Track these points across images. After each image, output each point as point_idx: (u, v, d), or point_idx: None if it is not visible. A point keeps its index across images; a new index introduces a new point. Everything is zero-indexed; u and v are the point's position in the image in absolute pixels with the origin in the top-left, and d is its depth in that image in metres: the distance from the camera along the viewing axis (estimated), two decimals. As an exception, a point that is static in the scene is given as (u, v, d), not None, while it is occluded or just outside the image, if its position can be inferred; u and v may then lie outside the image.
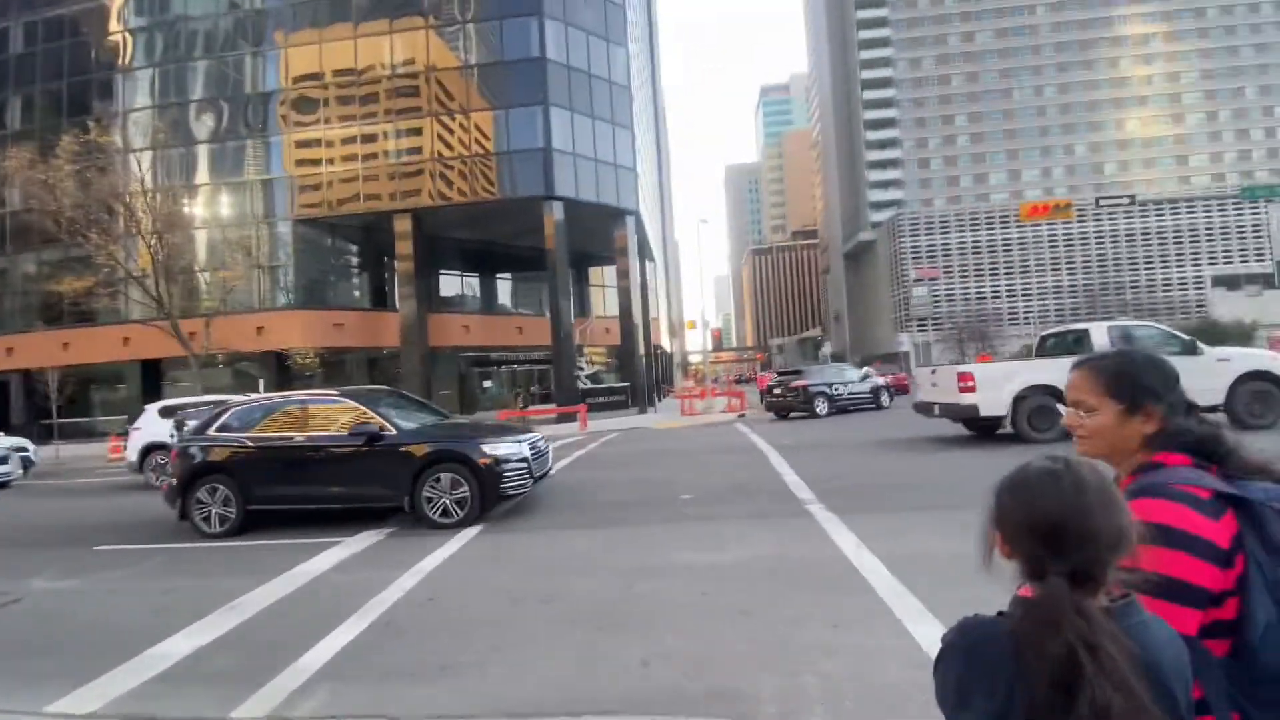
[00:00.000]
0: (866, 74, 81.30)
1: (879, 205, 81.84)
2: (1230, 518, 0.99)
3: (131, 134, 26.78)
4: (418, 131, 26.47)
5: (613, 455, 12.67)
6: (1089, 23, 77.94)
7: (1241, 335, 20.37)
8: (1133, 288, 55.37)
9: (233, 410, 7.66)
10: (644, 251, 35.56)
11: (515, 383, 32.53)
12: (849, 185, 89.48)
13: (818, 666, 3.09)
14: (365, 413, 7.17)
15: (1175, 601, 0.96)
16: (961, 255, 71.90)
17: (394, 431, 7.00)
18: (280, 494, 7.19)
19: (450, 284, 31.76)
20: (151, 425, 12.38)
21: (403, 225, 25.90)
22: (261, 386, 24.48)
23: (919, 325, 68.33)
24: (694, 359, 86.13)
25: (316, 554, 5.95)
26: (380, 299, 29.74)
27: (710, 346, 39.06)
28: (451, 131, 26.39)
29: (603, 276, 36.52)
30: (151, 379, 26.62)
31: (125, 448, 13.78)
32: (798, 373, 19.54)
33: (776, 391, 19.11)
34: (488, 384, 31.77)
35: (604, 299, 36.72)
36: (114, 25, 28.97)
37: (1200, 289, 64.29)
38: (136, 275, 21.19)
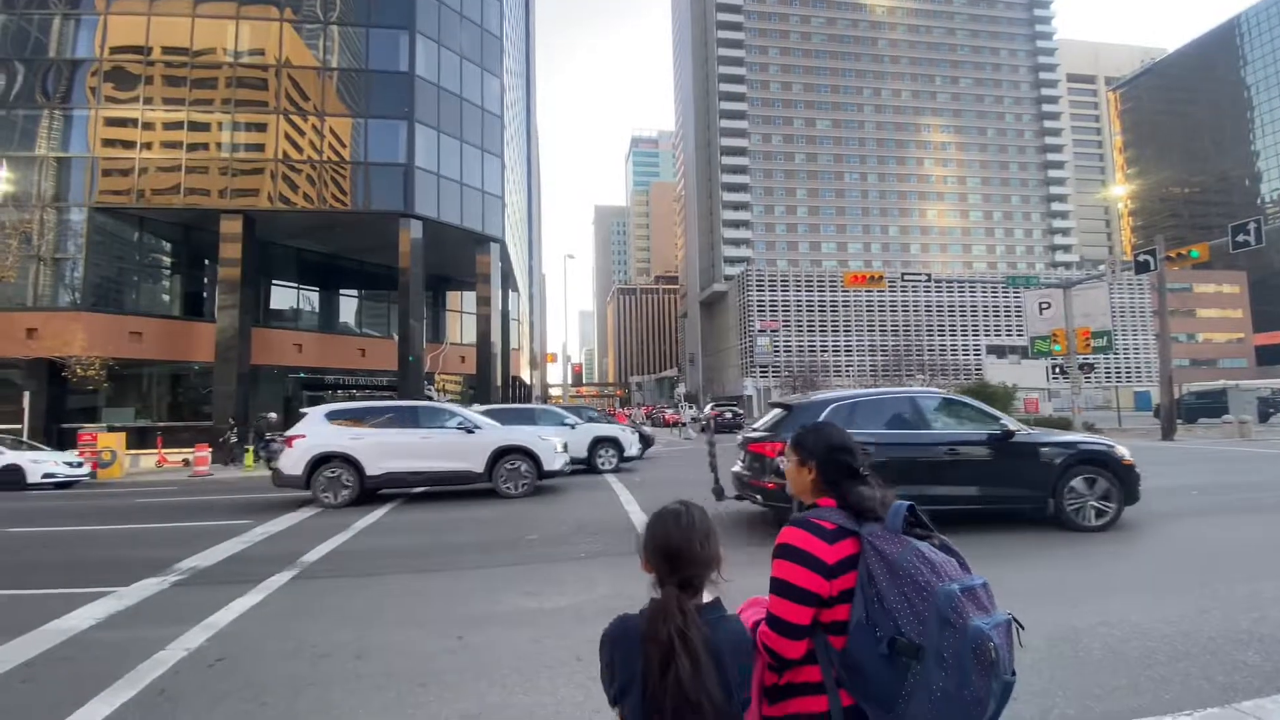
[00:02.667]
0: (725, 141, 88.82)
1: (732, 260, 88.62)
2: (848, 544, 1.33)
3: None
4: (261, 127, 24.05)
5: (461, 491, 12.06)
6: (903, 125, 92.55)
7: (1006, 397, 24.64)
8: (930, 350, 64.81)
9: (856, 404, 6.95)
10: (508, 281, 35.05)
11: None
12: (707, 238, 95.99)
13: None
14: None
15: (788, 598, 1.33)
16: (798, 311, 79.65)
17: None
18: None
19: (284, 296, 28.70)
20: (321, 431, 10.18)
21: (231, 227, 23.12)
22: (26, 400, 20.16)
23: (761, 371, 74.07)
24: (554, 392, 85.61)
25: (77, 607, 4.95)
26: (194, 307, 26.04)
27: (570, 380, 39.23)
28: (302, 133, 24.32)
29: (461, 302, 35.23)
30: None
31: (267, 456, 12.86)
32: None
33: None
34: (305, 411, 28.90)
35: (460, 325, 35.35)
36: None
37: (978, 355, 76.95)
38: None
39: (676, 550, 1.28)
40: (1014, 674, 1.24)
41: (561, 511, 9.23)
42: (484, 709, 3.28)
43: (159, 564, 6.34)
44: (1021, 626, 1.33)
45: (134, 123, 23.44)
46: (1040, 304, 24.63)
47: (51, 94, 23.34)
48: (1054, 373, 25.94)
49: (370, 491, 10.48)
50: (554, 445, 11.00)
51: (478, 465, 10.62)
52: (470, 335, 31.08)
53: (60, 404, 21.71)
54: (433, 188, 25.24)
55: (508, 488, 10.58)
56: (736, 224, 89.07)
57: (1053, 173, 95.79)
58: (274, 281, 27.85)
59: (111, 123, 23.40)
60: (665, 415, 42.98)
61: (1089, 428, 22.15)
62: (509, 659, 3.90)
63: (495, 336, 28.07)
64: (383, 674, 3.76)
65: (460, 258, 27.71)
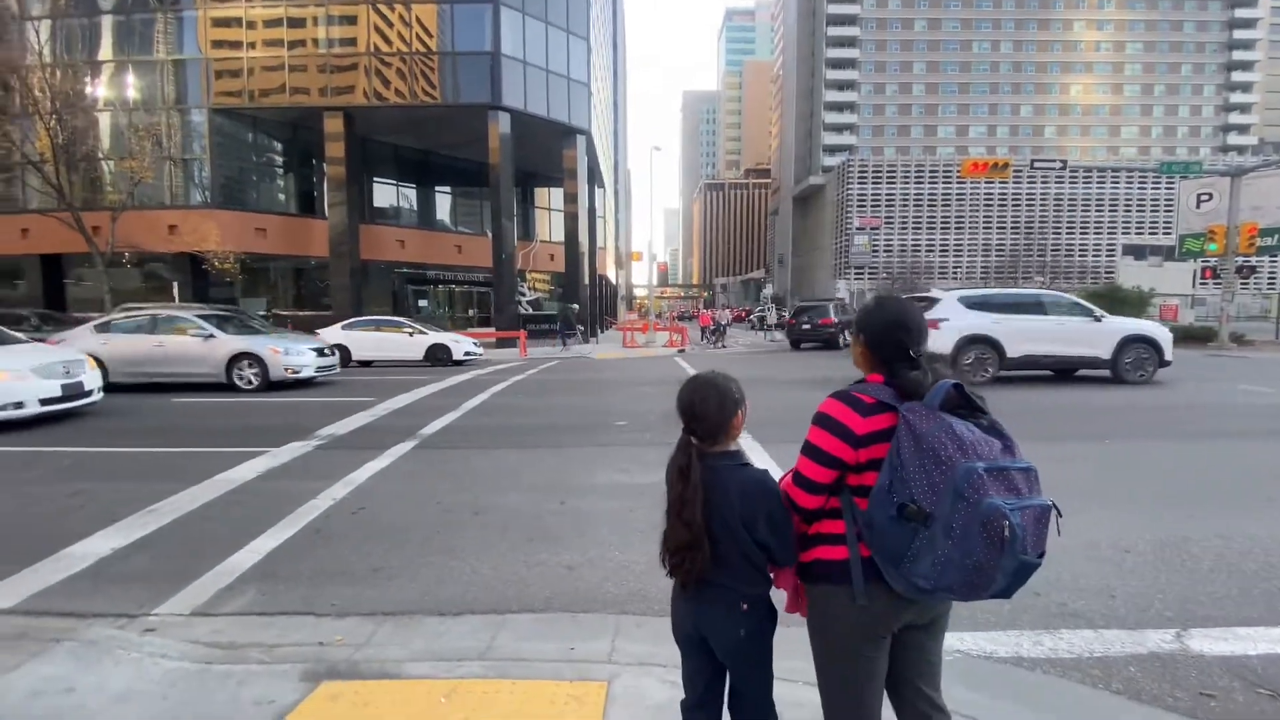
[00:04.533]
0: (833, 8, 79.20)
1: (832, 149, 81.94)
2: (885, 418, 1.42)
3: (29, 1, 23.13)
4: (352, 20, 24.06)
5: (552, 382, 12.77)
6: (1051, -20, 78.19)
7: (1140, 302, 22.13)
8: (1053, 250, 58.63)
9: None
10: (594, 176, 34.51)
11: (452, 303, 31.60)
12: (805, 124, 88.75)
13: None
14: None
15: (814, 460, 1.47)
16: (904, 206, 73.60)
17: None
18: None
19: (385, 194, 29.90)
20: (961, 316, 10.98)
21: (334, 125, 23.93)
22: (175, 290, 22.82)
23: (856, 273, 70.41)
24: (639, 292, 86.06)
25: (240, 462, 5.85)
26: (308, 204, 27.75)
27: (655, 280, 39.14)
28: (390, 24, 24.12)
29: (549, 199, 35.29)
30: (54, 276, 24.29)
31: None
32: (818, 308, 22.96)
33: (805, 325, 22.12)
34: (423, 303, 30.69)
35: (550, 222, 35.65)
36: None
37: (1111, 256, 68.78)
38: (35, 160, 18.91)
39: (688, 406, 1.59)
40: (1041, 556, 1.28)
41: (657, 404, 9.60)
42: (584, 561, 3.65)
43: (303, 431, 7.28)
44: (1060, 514, 1.34)
45: (238, 22, 24.10)
46: (1199, 195, 21.32)
47: (165, -2, 24.28)
48: (1202, 277, 22.83)
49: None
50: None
51: (1105, 352, 10.86)
52: (559, 233, 31.32)
53: (204, 294, 24.39)
54: (519, 77, 24.62)
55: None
56: (840, 106, 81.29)
57: (1240, 34, 78.93)
58: (375, 179, 28.94)
59: (218, 23, 24.18)
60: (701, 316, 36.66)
61: (1237, 340, 19.69)
62: (605, 523, 4.26)
63: (583, 235, 28.12)
64: (498, 527, 4.24)
65: (548, 152, 27.39)
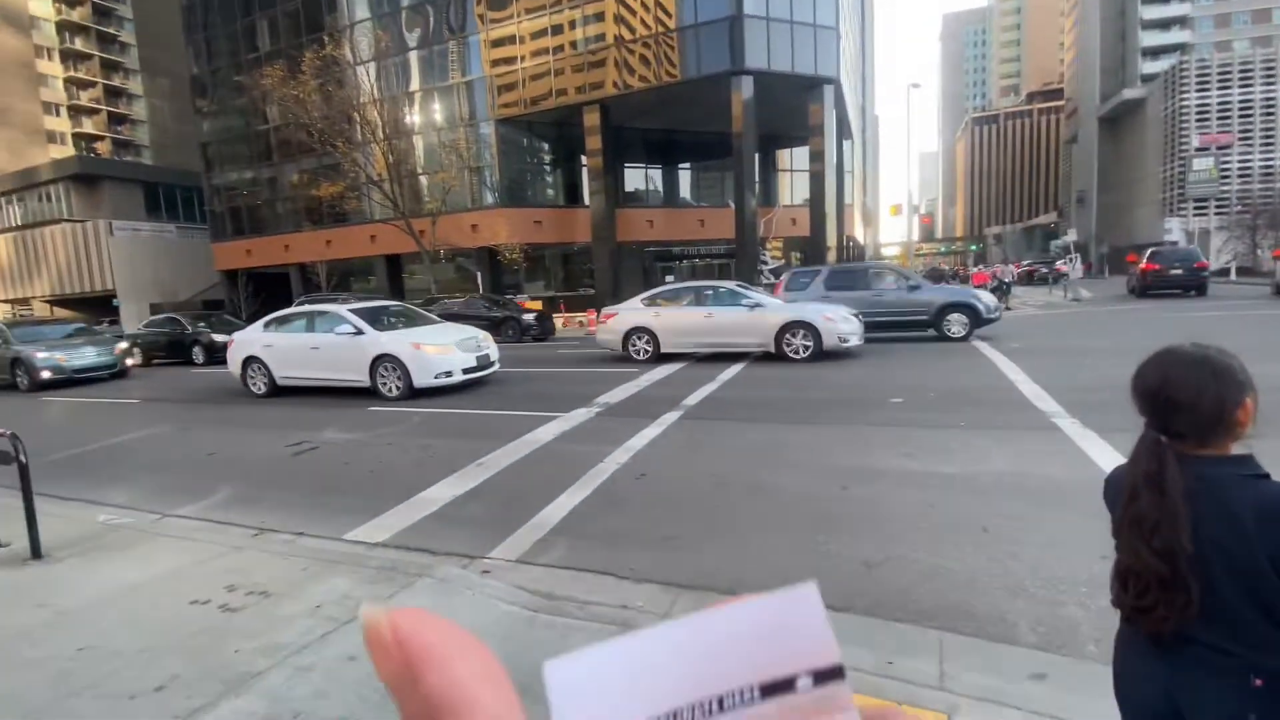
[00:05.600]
0: None
1: (1154, 51, 63.65)
2: None
3: (360, 46, 29.82)
4: (599, 17, 25.71)
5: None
6: None
7: None
8: None
9: None
10: (842, 128, 32.04)
11: (695, 277, 32.52)
12: (1114, 27, 70.28)
13: (1088, 601, 2.67)
14: None
15: None
16: (1266, 115, 54.01)
17: None
18: None
19: (634, 178, 31.80)
20: None
21: (591, 119, 26.04)
22: (479, 279, 27.40)
23: (1196, 208, 54.12)
24: (888, 251, 78.46)
25: (539, 426, 6.61)
26: (572, 196, 30.90)
27: (918, 236, 34.96)
28: (633, 11, 25.22)
29: (790, 160, 33.81)
30: (394, 271, 31.24)
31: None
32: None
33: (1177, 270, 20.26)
34: (670, 278, 32.18)
35: (791, 185, 34.24)
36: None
37: None
38: (375, 179, 24.29)
39: (1158, 389, 1.15)
40: None
41: (933, 378, 8.48)
42: (884, 559, 3.23)
43: (584, 398, 8.01)
44: None
45: (511, 40, 27.54)
46: None
47: (453, 26, 28.84)
48: None
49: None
50: None
51: None
52: (799, 195, 29.89)
53: (499, 281, 28.87)
54: (761, 35, 23.74)
55: None
56: (1168, -7, 62.56)
57: None
58: (626, 164, 30.92)
59: (495, 44, 27.93)
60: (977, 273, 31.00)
61: None
62: (900, 516, 3.76)
63: (830, 194, 26.31)
64: (778, 508, 4.04)
65: (791, 110, 26.08)
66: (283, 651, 2.63)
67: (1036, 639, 2.46)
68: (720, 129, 24.82)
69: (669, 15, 24.61)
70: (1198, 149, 55.60)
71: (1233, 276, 32.06)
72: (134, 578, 3.47)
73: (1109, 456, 4.38)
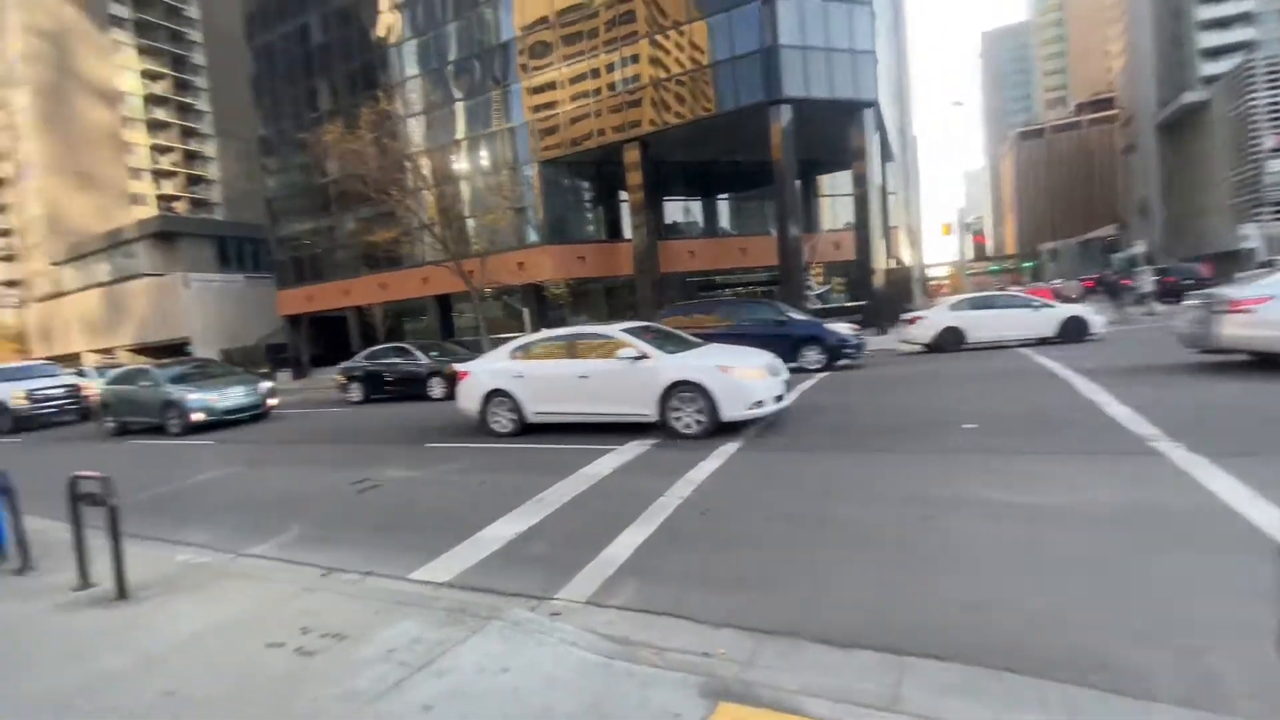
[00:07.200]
0: None
1: (1214, 52, 61.05)
2: None
3: (410, 100, 31.34)
4: (635, 59, 26.40)
5: (860, 378, 11.78)
6: None
7: None
8: None
9: None
10: (884, 151, 31.69)
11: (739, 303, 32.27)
12: (1167, 28, 67.88)
13: (1231, 649, 2.37)
14: None
15: None
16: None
17: None
18: None
19: (674, 210, 32.14)
20: None
21: (631, 156, 26.55)
22: (526, 317, 27.92)
23: (1273, 212, 50.84)
24: (935, 273, 76.27)
25: (594, 459, 6.52)
26: (614, 230, 31.39)
27: (971, 255, 34.02)
28: (667, 51, 25.80)
29: (833, 184, 33.60)
30: (445, 310, 32.17)
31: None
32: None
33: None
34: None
35: (833, 209, 33.92)
36: (384, 3, 33.50)
37: None
38: (426, 224, 25.28)
39: None
40: None
41: (1010, 403, 8.05)
42: (985, 600, 2.97)
43: (638, 428, 7.84)
44: None
45: (551, 86, 28.53)
46: None
47: (496, 76, 30.09)
48: None
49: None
50: None
51: None
52: (842, 219, 29.56)
53: (544, 316, 29.36)
54: (798, 63, 23.89)
55: None
56: (1225, -8, 60.18)
57: None
58: (665, 198, 31.30)
59: (535, 90, 28.98)
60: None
61: None
62: (995, 552, 3.49)
63: (875, 216, 25.84)
64: (855, 543, 3.81)
65: (830, 135, 25.99)
66: (360, 699, 2.58)
67: (1178, 694, 2.18)
68: (759, 158, 24.89)
69: (702, 52, 25.09)
70: (1272, 150, 52.59)
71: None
72: (214, 619, 3.51)
73: (1225, 484, 3.98)
